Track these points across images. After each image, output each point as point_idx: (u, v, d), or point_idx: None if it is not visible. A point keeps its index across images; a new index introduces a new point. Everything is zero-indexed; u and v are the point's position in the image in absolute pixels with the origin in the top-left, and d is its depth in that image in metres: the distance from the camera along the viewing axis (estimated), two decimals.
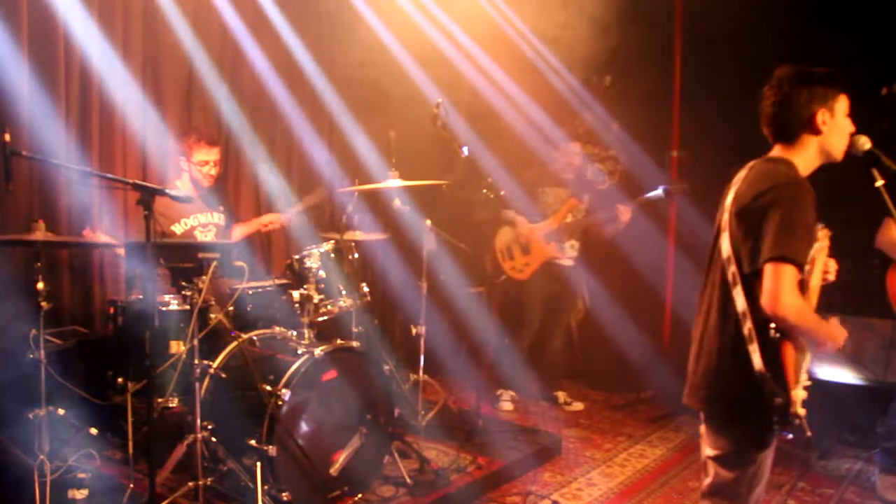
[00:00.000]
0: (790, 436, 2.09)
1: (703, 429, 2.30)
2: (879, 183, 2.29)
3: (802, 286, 2.16)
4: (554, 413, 4.88)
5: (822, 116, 2.14)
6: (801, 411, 2.05)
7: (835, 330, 2.15)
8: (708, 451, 2.25)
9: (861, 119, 2.25)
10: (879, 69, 4.24)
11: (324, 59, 5.14)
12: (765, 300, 1.99)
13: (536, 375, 4.91)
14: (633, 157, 5.46)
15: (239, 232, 4.28)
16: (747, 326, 2.05)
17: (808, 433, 2.04)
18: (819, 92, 2.15)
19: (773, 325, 2.01)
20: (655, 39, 5.16)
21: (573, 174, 4.90)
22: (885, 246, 3.53)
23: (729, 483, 2.19)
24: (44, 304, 2.98)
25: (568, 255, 4.88)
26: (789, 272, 1.98)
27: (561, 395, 5.06)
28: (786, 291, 1.97)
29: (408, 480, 3.42)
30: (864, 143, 2.22)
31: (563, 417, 4.82)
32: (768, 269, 1.99)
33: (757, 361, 2.02)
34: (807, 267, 2.12)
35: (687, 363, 2.30)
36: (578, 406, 5.04)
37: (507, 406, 4.81)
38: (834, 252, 2.28)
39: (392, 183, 3.90)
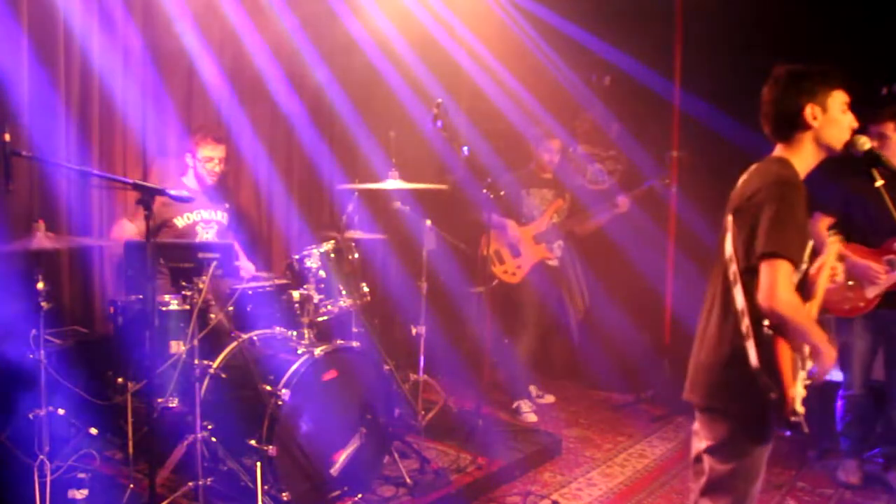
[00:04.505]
0: (788, 433, 2.12)
1: (696, 425, 2.31)
2: (879, 183, 2.29)
3: (805, 288, 2.17)
4: (554, 413, 4.88)
5: (811, 111, 2.16)
6: (800, 409, 2.07)
7: (825, 342, 2.12)
8: (703, 444, 2.26)
9: (861, 119, 2.25)
10: (879, 69, 4.25)
11: (325, 56, 5.13)
12: (761, 295, 2.03)
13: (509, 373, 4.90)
14: (633, 156, 5.45)
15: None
16: (745, 323, 2.10)
17: (806, 430, 2.07)
18: (807, 87, 2.18)
19: (766, 322, 2.05)
20: (655, 39, 5.16)
21: (551, 174, 4.86)
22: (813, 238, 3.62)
23: (725, 476, 2.20)
24: (44, 304, 2.98)
25: (556, 254, 4.87)
26: (784, 267, 2.02)
27: (532, 389, 5.02)
28: (781, 286, 2.01)
29: (408, 480, 3.42)
30: (864, 143, 2.22)
31: (563, 417, 4.82)
32: (763, 265, 2.04)
33: (753, 357, 2.07)
34: (804, 266, 2.14)
35: (687, 363, 2.32)
36: (550, 399, 5.06)
37: (531, 417, 4.65)
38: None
39: (392, 185, 3.91)
